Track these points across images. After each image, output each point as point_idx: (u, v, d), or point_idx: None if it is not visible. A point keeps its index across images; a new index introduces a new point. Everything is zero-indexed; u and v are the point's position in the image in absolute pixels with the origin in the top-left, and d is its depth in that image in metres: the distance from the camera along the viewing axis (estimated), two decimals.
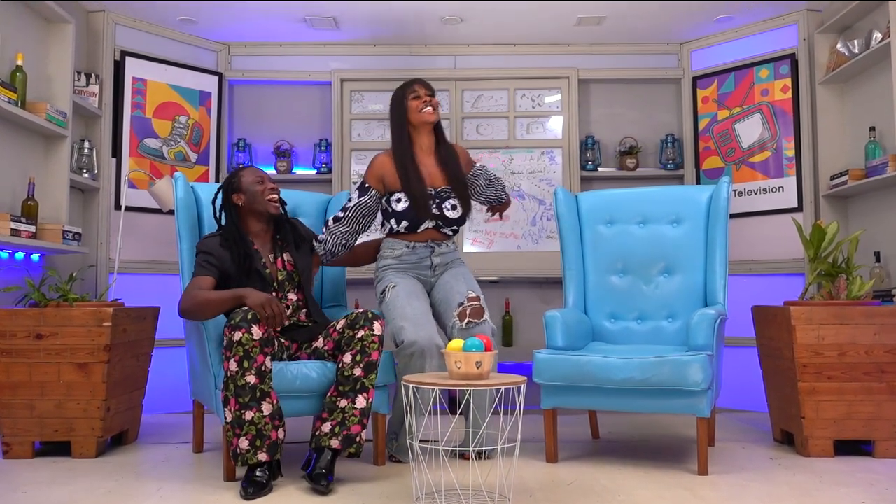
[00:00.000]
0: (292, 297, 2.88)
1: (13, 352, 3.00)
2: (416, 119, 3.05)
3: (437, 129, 3.13)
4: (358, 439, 2.57)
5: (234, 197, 2.85)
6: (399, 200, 3.02)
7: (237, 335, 2.45)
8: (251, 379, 2.47)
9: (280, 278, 2.87)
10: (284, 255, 2.92)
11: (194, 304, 2.60)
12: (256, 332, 2.47)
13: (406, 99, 3.06)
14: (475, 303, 2.94)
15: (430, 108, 3.04)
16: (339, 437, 2.55)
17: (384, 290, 3.01)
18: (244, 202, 2.85)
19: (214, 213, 2.90)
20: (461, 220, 3.11)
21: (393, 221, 3.05)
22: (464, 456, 2.85)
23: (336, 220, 3.03)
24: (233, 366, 2.47)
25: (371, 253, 3.23)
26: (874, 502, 2.38)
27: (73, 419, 3.01)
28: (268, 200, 2.84)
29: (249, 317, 2.48)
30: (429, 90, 3.07)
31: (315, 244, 3.03)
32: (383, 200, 3.07)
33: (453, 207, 3.07)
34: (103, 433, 3.03)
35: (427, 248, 3.08)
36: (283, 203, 2.93)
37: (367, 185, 3.05)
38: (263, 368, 2.50)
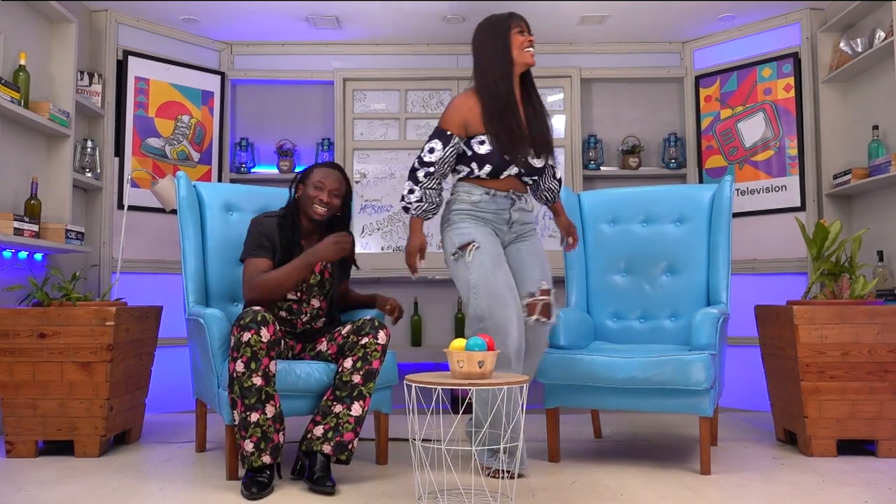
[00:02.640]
0: (315, 303, 2.87)
1: (16, 351, 3.01)
2: (517, 57, 2.71)
3: (527, 74, 2.80)
4: (350, 447, 2.55)
5: (298, 187, 2.84)
6: (483, 143, 2.70)
7: (246, 336, 2.46)
8: (258, 381, 2.47)
9: (311, 282, 2.84)
10: (327, 263, 2.86)
11: (267, 289, 2.64)
12: (265, 334, 2.47)
13: (510, 31, 2.70)
14: (546, 297, 2.73)
15: (532, 49, 2.72)
16: (332, 443, 2.53)
17: (466, 247, 2.69)
18: (300, 195, 2.82)
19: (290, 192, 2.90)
20: (542, 171, 2.84)
21: (474, 165, 2.72)
22: (494, 474, 2.65)
23: (428, 174, 2.70)
24: (240, 367, 2.47)
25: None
26: (877, 502, 2.38)
27: (76, 418, 3.01)
28: (313, 205, 2.77)
29: (259, 318, 2.48)
30: (529, 28, 2.75)
31: (404, 204, 2.76)
32: (462, 144, 2.75)
33: (538, 155, 2.78)
34: (106, 432, 3.04)
35: (507, 198, 2.77)
36: (339, 216, 2.86)
37: (448, 132, 2.71)
38: (269, 371, 2.50)
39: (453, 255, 2.74)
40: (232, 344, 2.50)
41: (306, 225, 2.82)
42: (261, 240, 2.72)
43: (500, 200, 2.77)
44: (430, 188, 2.73)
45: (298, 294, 2.83)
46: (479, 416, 2.67)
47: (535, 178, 2.86)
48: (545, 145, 2.79)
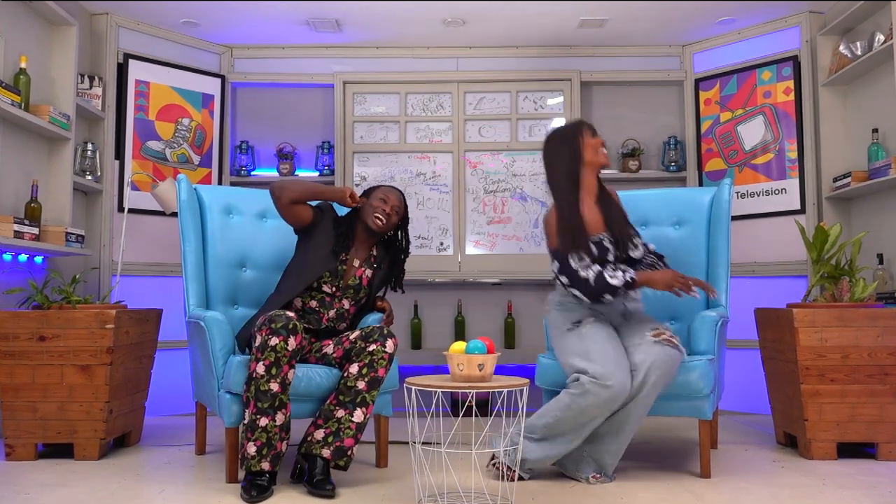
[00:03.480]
0: (346, 304, 2.91)
1: (16, 354, 3.01)
2: (591, 157, 2.76)
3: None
4: (349, 453, 2.56)
5: (362, 199, 2.96)
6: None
7: (273, 340, 2.48)
8: (274, 387, 2.49)
9: (349, 283, 2.90)
10: (367, 270, 2.94)
11: (294, 182, 2.84)
12: (292, 343, 2.50)
13: (581, 135, 2.76)
14: (669, 332, 2.67)
15: (605, 150, 2.79)
16: (331, 448, 2.54)
17: (579, 322, 2.70)
18: (363, 207, 2.93)
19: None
20: (640, 259, 2.84)
21: None
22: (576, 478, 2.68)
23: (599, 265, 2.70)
24: (260, 369, 2.49)
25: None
26: None
27: (76, 421, 3.01)
28: (374, 215, 2.88)
29: (290, 326, 2.51)
30: (595, 130, 2.83)
31: (626, 281, 2.63)
32: None
33: (635, 246, 2.82)
34: (106, 435, 3.03)
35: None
36: (398, 235, 3.00)
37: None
38: (287, 379, 2.52)
39: (568, 329, 2.71)
40: (257, 344, 2.51)
41: (360, 233, 2.94)
42: (320, 207, 2.91)
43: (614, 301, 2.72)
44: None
45: (334, 289, 2.87)
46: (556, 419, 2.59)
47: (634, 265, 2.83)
48: (632, 236, 2.81)
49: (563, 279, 2.69)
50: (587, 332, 2.65)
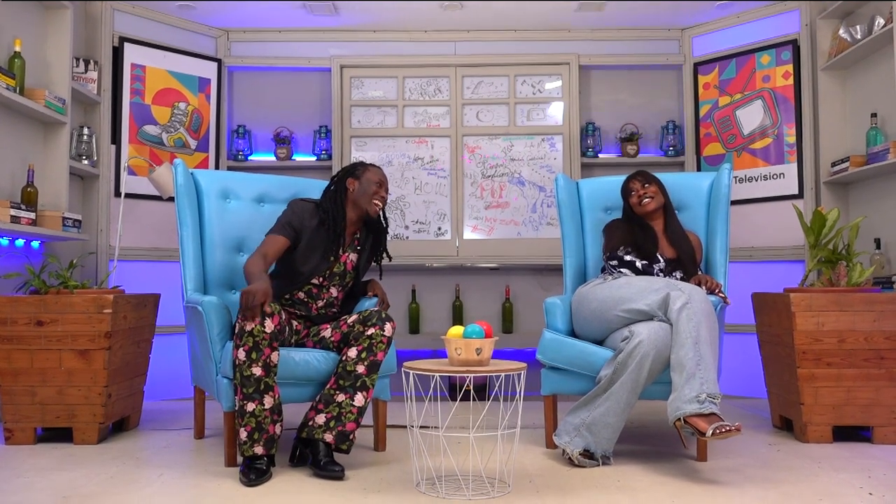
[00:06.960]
0: (334, 291, 2.91)
1: (14, 338, 3.01)
2: (636, 209, 3.14)
3: (669, 212, 3.17)
4: (351, 437, 2.57)
5: (348, 181, 2.90)
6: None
7: (249, 325, 2.47)
8: (257, 371, 2.48)
9: (335, 270, 2.89)
10: (352, 255, 2.94)
11: (245, 269, 2.63)
12: (269, 325, 2.49)
13: (629, 193, 3.17)
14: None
15: (647, 199, 3.10)
16: (334, 433, 2.54)
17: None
18: (354, 190, 2.88)
19: (329, 186, 2.93)
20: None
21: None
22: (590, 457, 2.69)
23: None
24: (241, 355, 2.48)
25: None
26: (872, 487, 2.39)
27: (75, 405, 3.02)
28: (373, 201, 2.86)
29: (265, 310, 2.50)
30: (646, 180, 3.16)
31: None
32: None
33: (681, 279, 2.98)
34: (105, 419, 3.04)
35: None
36: (384, 217, 2.96)
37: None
38: (270, 362, 2.51)
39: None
40: (236, 331, 2.51)
41: (350, 219, 2.89)
42: (291, 220, 2.80)
43: None
44: None
45: (320, 279, 2.86)
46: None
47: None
48: (693, 261, 3.07)
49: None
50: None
